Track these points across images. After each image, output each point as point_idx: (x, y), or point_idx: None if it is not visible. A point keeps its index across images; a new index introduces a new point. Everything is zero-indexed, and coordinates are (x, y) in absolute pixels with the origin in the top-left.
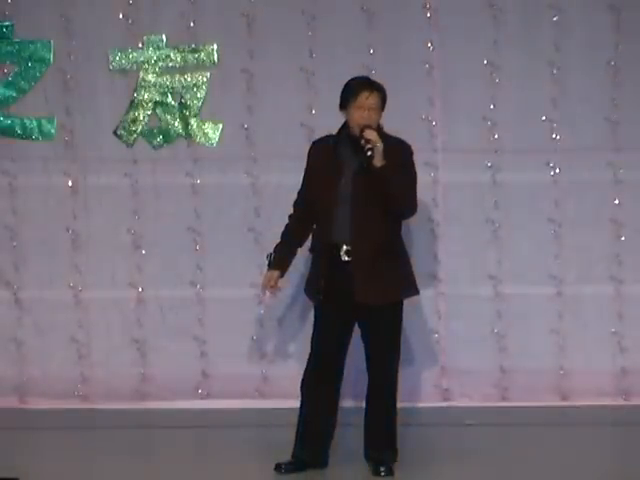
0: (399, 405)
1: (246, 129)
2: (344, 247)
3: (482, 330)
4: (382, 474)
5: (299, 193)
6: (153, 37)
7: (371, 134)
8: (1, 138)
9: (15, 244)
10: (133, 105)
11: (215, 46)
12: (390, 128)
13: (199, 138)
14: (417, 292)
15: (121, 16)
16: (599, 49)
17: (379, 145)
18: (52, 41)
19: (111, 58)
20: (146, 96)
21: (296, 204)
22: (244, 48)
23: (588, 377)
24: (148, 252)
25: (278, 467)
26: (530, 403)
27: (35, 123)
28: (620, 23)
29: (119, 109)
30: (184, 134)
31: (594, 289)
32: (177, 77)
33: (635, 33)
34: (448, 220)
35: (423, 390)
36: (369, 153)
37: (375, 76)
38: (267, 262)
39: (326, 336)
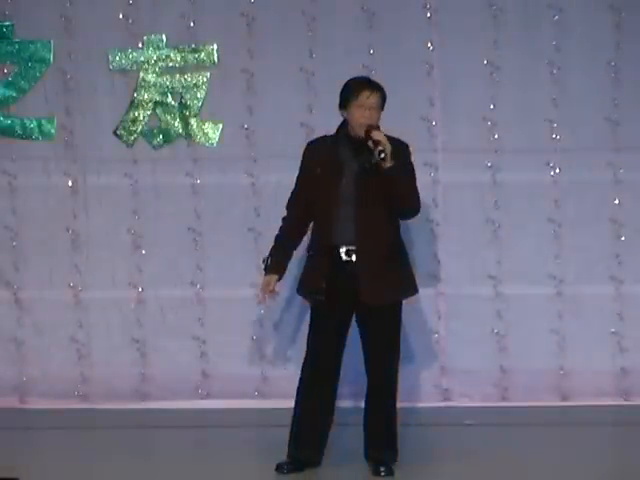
0: (399, 405)
1: (246, 129)
2: (344, 248)
3: (482, 330)
4: (382, 474)
5: (293, 194)
6: (153, 37)
7: (379, 135)
8: (1, 138)
9: (15, 244)
10: (133, 105)
11: (215, 46)
12: (390, 128)
13: (199, 138)
14: (417, 291)
15: (121, 16)
16: (599, 49)
17: (388, 146)
18: (52, 41)
19: (111, 58)
20: (146, 96)
21: (290, 205)
22: (244, 48)
23: (588, 377)
24: (148, 252)
25: (280, 467)
26: (530, 403)
27: (35, 123)
28: (620, 23)
29: (119, 109)
30: (184, 134)
31: (594, 289)
32: (177, 77)
33: (635, 33)
34: (448, 220)
35: (423, 390)
36: (382, 155)
37: (375, 76)
38: (263, 267)
39: (325, 336)
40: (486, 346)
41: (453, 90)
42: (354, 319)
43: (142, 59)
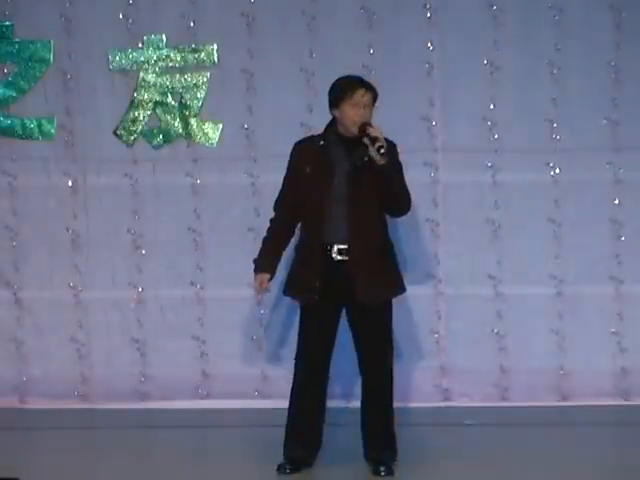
0: (399, 405)
1: (246, 129)
2: (336, 246)
3: (482, 330)
4: (382, 474)
5: (281, 194)
6: (153, 37)
7: (376, 131)
8: (1, 138)
9: (15, 244)
10: (133, 105)
11: (215, 46)
12: (390, 128)
13: (199, 138)
14: (405, 290)
15: (121, 16)
16: (599, 49)
17: (384, 142)
18: (52, 41)
19: (111, 58)
20: (146, 96)
21: (278, 206)
22: (244, 48)
23: (588, 377)
24: (148, 252)
25: (282, 468)
26: (530, 403)
27: (35, 123)
28: (620, 23)
29: (119, 109)
30: (184, 134)
31: (594, 289)
32: (177, 77)
33: (635, 33)
34: (448, 220)
35: (423, 390)
36: (382, 151)
37: (375, 76)
38: (253, 268)
39: (317, 336)
40: (486, 346)
41: (453, 90)
42: (345, 319)
43: (142, 59)
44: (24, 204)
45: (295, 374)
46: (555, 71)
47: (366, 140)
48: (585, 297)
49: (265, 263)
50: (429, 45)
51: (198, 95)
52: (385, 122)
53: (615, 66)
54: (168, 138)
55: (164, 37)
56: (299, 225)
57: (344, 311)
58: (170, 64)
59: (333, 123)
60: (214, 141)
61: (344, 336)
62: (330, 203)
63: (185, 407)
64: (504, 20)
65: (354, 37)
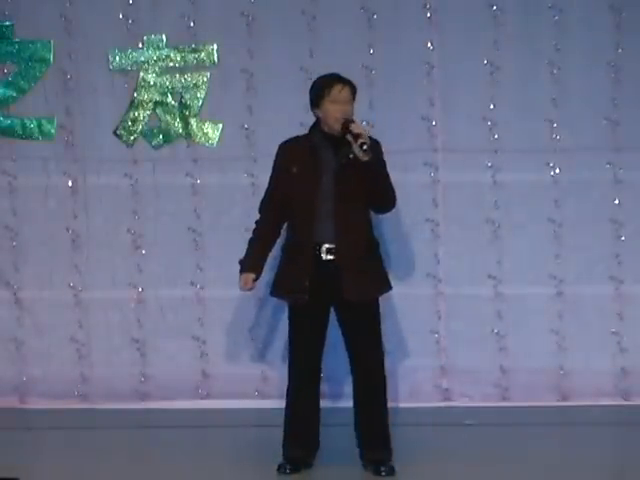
0: (399, 405)
1: (246, 129)
2: (325, 245)
3: (482, 330)
4: (383, 474)
5: (267, 195)
6: (153, 37)
7: (358, 127)
8: (1, 138)
9: (15, 244)
10: (133, 105)
11: (215, 46)
12: (390, 128)
13: (199, 138)
14: (392, 287)
15: (121, 16)
16: (599, 49)
17: (367, 138)
18: (52, 41)
19: (111, 58)
20: (146, 96)
21: (265, 207)
22: (244, 48)
23: (588, 377)
24: (148, 252)
25: (282, 468)
26: (530, 403)
27: (35, 123)
28: (620, 23)
29: (119, 109)
30: (184, 134)
31: (594, 289)
32: (177, 77)
33: (635, 33)
34: (448, 220)
35: (423, 390)
36: (364, 147)
37: (375, 76)
38: (239, 268)
39: (309, 336)
40: (486, 346)
41: (453, 90)
42: (335, 319)
43: (142, 59)
44: (24, 204)
45: (290, 376)
46: (555, 71)
47: (349, 137)
48: (585, 297)
49: (250, 263)
50: (429, 45)
51: (198, 95)
52: (385, 122)
53: (615, 66)
54: (168, 138)
55: (164, 37)
56: (285, 226)
57: (333, 310)
58: (170, 64)
59: (317, 123)
60: (214, 141)
61: (334, 336)
62: (318, 202)
63: (185, 407)
64: (504, 20)
65: (354, 37)
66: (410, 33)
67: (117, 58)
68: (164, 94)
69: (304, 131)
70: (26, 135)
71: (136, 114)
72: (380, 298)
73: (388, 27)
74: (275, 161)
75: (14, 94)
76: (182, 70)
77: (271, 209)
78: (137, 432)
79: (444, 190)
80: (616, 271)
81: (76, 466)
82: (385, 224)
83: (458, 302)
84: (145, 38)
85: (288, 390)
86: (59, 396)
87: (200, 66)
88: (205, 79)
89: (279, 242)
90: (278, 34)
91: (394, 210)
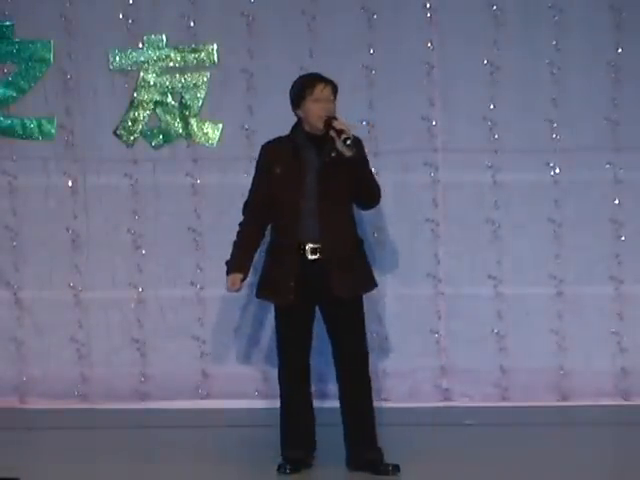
0: (400, 405)
1: (246, 129)
2: (310, 245)
3: (482, 330)
4: (390, 473)
5: (251, 196)
6: (153, 37)
7: (341, 124)
8: (1, 138)
9: (15, 244)
10: (133, 105)
11: (215, 46)
12: (390, 128)
13: (199, 138)
14: (377, 285)
15: (121, 16)
16: (599, 49)
17: (350, 133)
18: (52, 41)
19: (111, 58)
20: (146, 96)
21: (248, 208)
22: (244, 48)
23: (588, 377)
24: (148, 252)
25: (282, 468)
26: (530, 403)
27: (35, 123)
28: (620, 23)
29: (119, 109)
30: (184, 134)
31: (594, 289)
32: (177, 77)
33: (635, 33)
34: (448, 220)
35: (423, 390)
36: (348, 142)
37: (375, 76)
38: (226, 270)
39: (297, 336)
40: (486, 346)
41: (453, 90)
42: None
43: (142, 59)
44: (24, 204)
45: (281, 377)
46: (555, 71)
47: (332, 133)
48: (585, 297)
49: (237, 264)
50: (429, 45)
51: (198, 95)
52: (385, 122)
53: (615, 66)
54: (168, 138)
55: (164, 37)
56: (269, 227)
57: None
58: (170, 64)
59: (299, 123)
60: (214, 141)
61: (321, 336)
62: (303, 202)
63: (185, 407)
64: (504, 20)
65: (354, 37)
66: (410, 33)
67: (117, 58)
68: (164, 94)
69: None
70: (26, 135)
71: (136, 114)
72: (380, 298)
73: (388, 27)
74: (258, 162)
75: (14, 94)
76: (182, 70)
77: (255, 210)
78: (137, 432)
79: (444, 190)
80: (616, 271)
81: (76, 466)
82: (385, 224)
83: (458, 302)
84: (145, 38)
85: (281, 392)
86: (59, 396)
87: (200, 66)
88: (205, 79)
89: (263, 244)
90: (278, 34)
91: (394, 210)
